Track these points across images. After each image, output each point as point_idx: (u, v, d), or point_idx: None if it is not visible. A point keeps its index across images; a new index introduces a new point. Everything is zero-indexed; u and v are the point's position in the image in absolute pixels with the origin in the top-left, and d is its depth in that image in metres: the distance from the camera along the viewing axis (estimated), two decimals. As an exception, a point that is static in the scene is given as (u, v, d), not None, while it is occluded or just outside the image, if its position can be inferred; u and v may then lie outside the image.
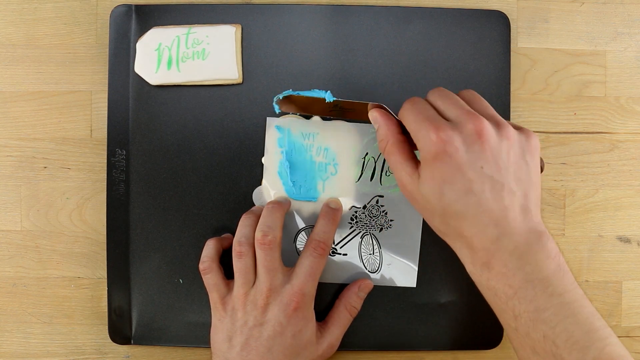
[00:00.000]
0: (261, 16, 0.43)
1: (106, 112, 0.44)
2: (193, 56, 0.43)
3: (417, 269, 0.43)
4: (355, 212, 0.43)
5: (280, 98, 0.39)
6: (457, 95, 0.36)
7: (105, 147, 0.44)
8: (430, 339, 0.44)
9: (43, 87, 0.45)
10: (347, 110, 0.40)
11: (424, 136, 0.34)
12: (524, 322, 0.33)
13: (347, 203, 0.43)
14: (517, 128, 0.36)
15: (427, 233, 0.43)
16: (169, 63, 0.43)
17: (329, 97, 0.39)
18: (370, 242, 0.43)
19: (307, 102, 0.40)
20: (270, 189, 0.43)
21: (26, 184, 0.45)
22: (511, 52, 0.44)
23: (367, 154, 0.43)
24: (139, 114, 0.44)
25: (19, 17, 0.45)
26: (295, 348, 0.39)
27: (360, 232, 0.43)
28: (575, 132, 0.46)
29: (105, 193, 0.44)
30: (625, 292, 0.46)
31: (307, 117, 0.43)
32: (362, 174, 0.43)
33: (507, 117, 0.44)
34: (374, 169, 0.43)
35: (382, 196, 0.43)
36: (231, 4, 0.44)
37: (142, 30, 0.43)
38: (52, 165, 0.45)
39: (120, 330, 0.44)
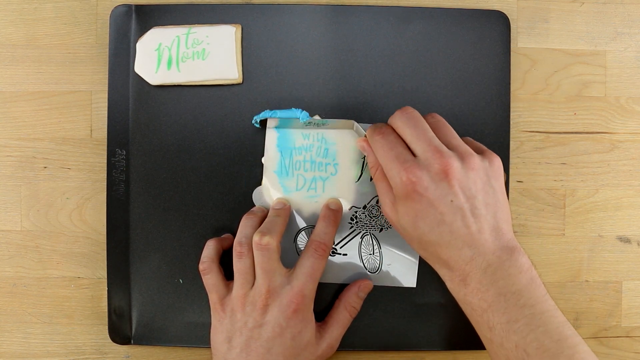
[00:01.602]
0: (261, 16, 0.43)
1: (106, 112, 0.44)
2: (193, 56, 0.43)
3: (417, 268, 0.43)
4: (355, 212, 0.43)
5: (258, 121, 0.42)
6: (427, 118, 0.39)
7: (105, 147, 0.44)
8: (430, 339, 0.44)
9: (43, 87, 0.45)
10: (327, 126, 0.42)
11: (394, 176, 0.36)
12: (498, 333, 0.35)
13: (347, 203, 0.43)
14: (480, 151, 0.38)
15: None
16: (169, 63, 0.43)
17: (303, 117, 0.40)
18: (371, 242, 0.43)
19: (286, 120, 0.42)
20: (270, 188, 0.43)
21: (26, 184, 0.45)
22: (511, 52, 0.44)
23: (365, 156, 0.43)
24: (139, 114, 0.44)
25: (19, 17, 0.45)
26: (295, 349, 0.39)
27: (360, 232, 0.43)
28: (575, 132, 0.46)
29: (105, 193, 0.44)
30: (625, 292, 0.46)
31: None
32: (362, 174, 0.43)
33: (507, 117, 0.44)
34: None
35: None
36: (231, 4, 0.44)
37: (142, 30, 0.43)
38: (52, 165, 0.45)
39: (120, 330, 0.44)
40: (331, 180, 0.43)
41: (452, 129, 0.39)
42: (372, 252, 0.43)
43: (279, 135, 0.43)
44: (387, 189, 0.38)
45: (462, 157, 0.36)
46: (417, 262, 0.43)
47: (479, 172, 0.36)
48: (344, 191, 0.43)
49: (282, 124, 0.42)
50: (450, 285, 0.37)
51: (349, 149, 0.43)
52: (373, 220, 0.43)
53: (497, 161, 0.38)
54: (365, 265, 0.43)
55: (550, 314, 0.34)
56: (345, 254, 0.43)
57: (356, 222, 0.43)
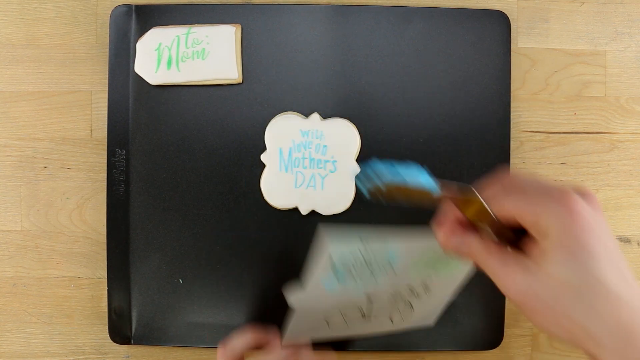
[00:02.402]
0: (261, 16, 0.43)
1: (106, 112, 0.44)
2: (193, 56, 0.43)
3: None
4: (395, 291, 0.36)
5: (375, 186, 0.28)
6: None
7: (105, 147, 0.44)
8: (430, 339, 0.44)
9: (43, 87, 0.45)
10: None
11: (546, 208, 0.27)
12: None
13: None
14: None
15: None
16: (169, 63, 0.43)
17: (433, 188, 0.28)
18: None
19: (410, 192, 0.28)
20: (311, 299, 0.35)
21: (26, 184, 0.45)
22: (511, 52, 0.44)
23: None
24: (139, 114, 0.44)
25: (19, 17, 0.45)
26: None
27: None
28: (575, 132, 0.46)
29: (105, 193, 0.44)
30: (625, 292, 0.46)
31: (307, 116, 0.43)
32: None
33: (507, 117, 0.44)
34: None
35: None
36: (231, 4, 0.44)
37: (142, 30, 0.43)
38: (52, 165, 0.45)
39: (120, 330, 0.44)
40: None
41: None
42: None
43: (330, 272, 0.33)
44: (506, 259, 0.28)
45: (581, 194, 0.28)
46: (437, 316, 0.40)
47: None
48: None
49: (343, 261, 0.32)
50: None
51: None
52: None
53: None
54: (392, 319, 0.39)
55: None
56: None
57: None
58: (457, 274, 0.35)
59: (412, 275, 0.34)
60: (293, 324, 0.37)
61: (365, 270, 0.32)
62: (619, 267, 0.26)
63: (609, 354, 0.25)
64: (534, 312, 0.27)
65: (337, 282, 0.33)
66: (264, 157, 0.43)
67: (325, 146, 0.43)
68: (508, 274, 0.27)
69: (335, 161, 0.43)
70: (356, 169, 0.43)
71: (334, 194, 0.43)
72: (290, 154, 0.43)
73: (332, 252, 0.31)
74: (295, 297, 0.34)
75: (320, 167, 0.43)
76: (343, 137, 0.43)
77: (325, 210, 0.43)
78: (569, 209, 0.26)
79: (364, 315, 0.37)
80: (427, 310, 0.39)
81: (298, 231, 0.44)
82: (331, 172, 0.43)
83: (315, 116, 0.43)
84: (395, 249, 0.32)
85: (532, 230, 0.27)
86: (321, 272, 0.32)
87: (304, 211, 0.43)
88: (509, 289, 0.28)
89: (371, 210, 0.43)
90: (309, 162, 0.43)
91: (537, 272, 0.27)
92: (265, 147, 0.43)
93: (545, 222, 0.26)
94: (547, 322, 0.27)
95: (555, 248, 0.26)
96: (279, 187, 0.43)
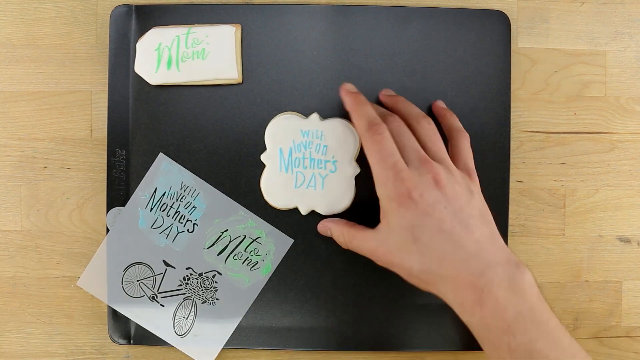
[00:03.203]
0: (261, 16, 0.43)
1: (106, 112, 0.44)
2: (193, 56, 0.43)
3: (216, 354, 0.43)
4: (190, 274, 0.43)
5: None
6: (420, 124, 0.39)
7: (105, 147, 0.44)
8: (430, 339, 0.44)
9: (43, 87, 0.45)
10: None
11: (388, 184, 0.36)
12: (521, 355, 0.32)
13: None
14: (463, 170, 0.39)
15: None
16: (169, 63, 0.43)
17: None
18: (190, 307, 0.43)
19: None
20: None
21: (26, 184, 0.45)
22: (511, 52, 0.44)
23: (226, 230, 0.43)
24: (139, 114, 0.44)
25: (19, 17, 0.45)
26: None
27: (185, 294, 0.43)
28: (575, 132, 0.46)
29: (105, 193, 0.44)
30: (625, 292, 0.46)
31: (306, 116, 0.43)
32: (213, 245, 0.43)
33: (507, 117, 0.44)
34: (225, 247, 0.43)
35: (221, 274, 0.43)
36: (231, 4, 0.44)
37: (142, 30, 0.43)
38: (52, 165, 0.45)
39: (120, 330, 0.44)
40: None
41: (441, 140, 0.39)
42: (186, 317, 0.43)
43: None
44: (362, 234, 0.39)
45: (448, 170, 0.37)
46: (218, 352, 0.43)
47: (462, 185, 0.37)
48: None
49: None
50: (460, 310, 0.35)
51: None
52: (202, 290, 0.43)
53: (476, 178, 0.39)
54: (175, 325, 0.43)
55: (560, 329, 0.34)
56: (163, 305, 0.43)
57: (186, 284, 0.43)
58: None
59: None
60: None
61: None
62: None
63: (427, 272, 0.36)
64: (395, 269, 0.37)
65: None
66: (264, 157, 0.43)
67: (325, 146, 0.43)
68: (368, 242, 0.38)
69: (336, 161, 0.43)
70: (356, 169, 0.43)
71: (334, 193, 0.43)
72: (290, 154, 0.43)
73: None
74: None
75: (321, 167, 0.43)
76: (343, 137, 0.43)
77: (326, 210, 0.43)
78: (405, 190, 0.35)
79: None
80: None
81: (298, 231, 0.44)
82: (331, 172, 0.43)
83: (314, 116, 0.43)
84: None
85: (379, 194, 0.37)
86: None
87: (304, 211, 0.43)
88: (371, 255, 0.38)
89: (371, 210, 0.43)
90: (309, 162, 0.43)
91: (385, 240, 0.36)
92: (265, 147, 0.43)
93: (385, 193, 0.36)
94: (403, 274, 0.37)
95: (391, 220, 0.36)
96: (279, 188, 0.43)
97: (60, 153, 0.45)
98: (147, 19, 0.43)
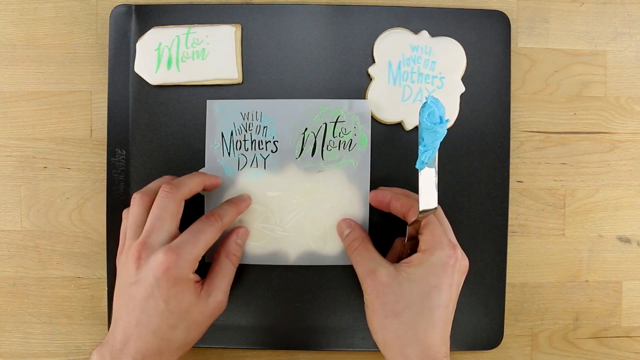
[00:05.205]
0: (261, 16, 0.43)
1: (106, 112, 0.44)
2: (193, 56, 0.43)
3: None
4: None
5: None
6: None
7: (105, 147, 0.44)
8: (430, 339, 0.44)
9: (43, 87, 0.45)
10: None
11: (444, 247, 0.38)
12: None
13: (290, 181, 0.43)
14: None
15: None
16: (169, 63, 0.43)
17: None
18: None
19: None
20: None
21: (26, 184, 0.45)
22: (511, 52, 0.44)
23: (306, 129, 0.43)
24: (139, 114, 0.44)
25: (19, 17, 0.45)
26: (172, 315, 0.36)
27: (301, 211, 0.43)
28: (575, 132, 0.46)
29: (105, 193, 0.44)
30: (625, 292, 0.46)
31: None
32: (302, 150, 0.43)
33: (507, 117, 0.44)
34: (314, 144, 0.43)
35: (325, 172, 0.43)
36: (231, 4, 0.44)
37: (142, 30, 0.43)
38: (52, 165, 0.45)
39: (120, 330, 0.44)
40: (272, 158, 0.43)
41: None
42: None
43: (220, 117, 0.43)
44: (376, 254, 0.40)
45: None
46: None
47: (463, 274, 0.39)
48: (285, 168, 0.43)
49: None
50: None
51: (287, 126, 0.43)
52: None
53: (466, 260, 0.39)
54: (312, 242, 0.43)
55: None
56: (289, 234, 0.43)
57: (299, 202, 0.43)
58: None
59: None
60: None
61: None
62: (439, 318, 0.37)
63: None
64: (384, 298, 0.37)
65: None
66: (372, 70, 0.43)
67: (434, 62, 0.43)
68: (379, 262, 0.38)
69: (443, 77, 0.43)
70: (462, 87, 0.43)
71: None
72: (399, 67, 0.43)
73: None
74: None
75: (428, 82, 0.43)
76: (451, 55, 0.43)
77: None
78: (454, 255, 0.37)
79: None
80: None
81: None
82: (438, 87, 0.43)
83: (424, 33, 0.43)
84: None
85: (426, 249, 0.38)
86: None
87: (408, 125, 0.43)
88: (368, 272, 0.38)
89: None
90: (417, 76, 0.43)
91: (396, 275, 0.37)
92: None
93: (437, 252, 0.37)
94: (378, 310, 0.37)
95: (421, 266, 0.37)
96: (386, 100, 0.43)
97: (60, 153, 0.45)
98: (147, 19, 0.43)
